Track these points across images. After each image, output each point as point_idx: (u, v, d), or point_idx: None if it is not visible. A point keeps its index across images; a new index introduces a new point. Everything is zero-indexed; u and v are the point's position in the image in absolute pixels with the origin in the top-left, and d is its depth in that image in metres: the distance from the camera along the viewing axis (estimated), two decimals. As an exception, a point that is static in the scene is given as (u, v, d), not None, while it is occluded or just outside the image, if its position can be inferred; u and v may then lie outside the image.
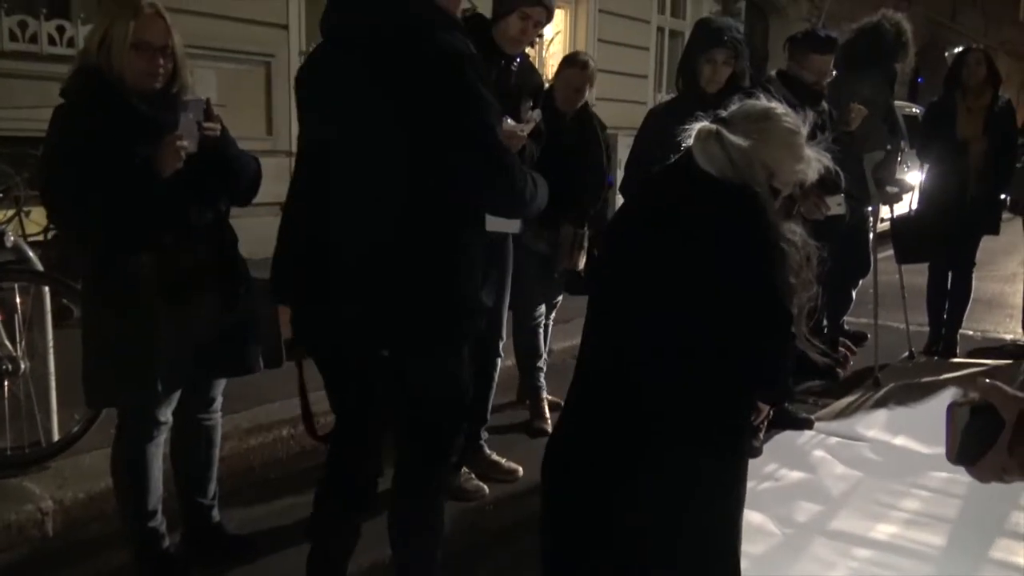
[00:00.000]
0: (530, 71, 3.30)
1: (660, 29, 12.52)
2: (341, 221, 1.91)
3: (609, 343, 1.79)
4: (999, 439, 1.00)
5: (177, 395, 2.47)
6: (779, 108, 1.81)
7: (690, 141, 1.77)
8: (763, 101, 1.82)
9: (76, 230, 2.40)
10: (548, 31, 3.28)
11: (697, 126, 1.77)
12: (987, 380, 1.02)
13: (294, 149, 8.20)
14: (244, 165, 2.45)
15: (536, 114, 3.23)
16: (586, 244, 3.70)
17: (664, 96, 11.93)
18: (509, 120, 3.08)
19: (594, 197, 3.78)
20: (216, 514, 2.69)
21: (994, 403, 1.01)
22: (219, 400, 2.64)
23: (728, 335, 1.64)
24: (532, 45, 3.27)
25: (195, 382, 2.50)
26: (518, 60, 3.17)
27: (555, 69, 3.95)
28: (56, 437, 3.14)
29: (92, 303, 2.39)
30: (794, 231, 1.74)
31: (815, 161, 1.78)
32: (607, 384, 1.76)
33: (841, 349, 4.95)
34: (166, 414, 2.46)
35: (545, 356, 3.99)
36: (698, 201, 1.70)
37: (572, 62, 3.80)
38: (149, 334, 2.29)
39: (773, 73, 4.02)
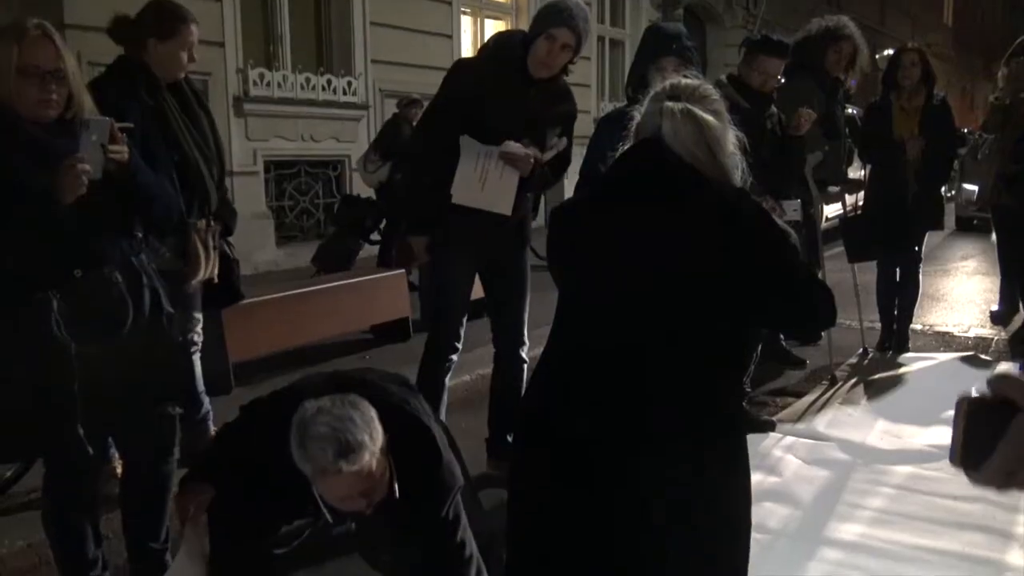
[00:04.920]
0: (562, 97, 3.22)
1: (600, 38, 12.62)
2: None
3: (594, 333, 1.71)
4: (1010, 429, 0.88)
5: (108, 439, 2.31)
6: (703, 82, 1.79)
7: (645, 121, 1.72)
8: (683, 78, 1.78)
9: None
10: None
11: (656, 106, 1.70)
12: (1000, 375, 0.93)
13: (234, 168, 8.06)
14: (158, 192, 2.27)
15: (562, 143, 3.19)
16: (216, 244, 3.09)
17: (607, 105, 12.02)
18: (512, 143, 3.03)
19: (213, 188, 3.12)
20: (170, 558, 2.52)
21: (1010, 395, 0.91)
22: (175, 442, 2.44)
23: (753, 311, 1.66)
24: (565, 72, 3.15)
25: (126, 424, 2.31)
26: (555, 88, 3.11)
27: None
28: (-11, 482, 2.96)
29: None
30: None
31: None
32: (591, 373, 1.69)
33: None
34: (97, 457, 2.29)
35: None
36: (692, 206, 1.65)
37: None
38: (59, 378, 2.07)
39: (723, 77, 4.05)
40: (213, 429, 3.38)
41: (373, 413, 1.90)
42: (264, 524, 2.06)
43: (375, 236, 7.08)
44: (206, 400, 3.22)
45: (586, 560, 1.68)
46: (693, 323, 1.62)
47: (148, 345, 2.23)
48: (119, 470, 2.68)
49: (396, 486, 1.95)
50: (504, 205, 3.12)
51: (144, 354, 2.21)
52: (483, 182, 3.06)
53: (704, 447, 1.64)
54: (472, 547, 2.09)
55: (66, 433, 2.10)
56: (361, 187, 7.82)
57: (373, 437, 1.87)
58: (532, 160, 3.07)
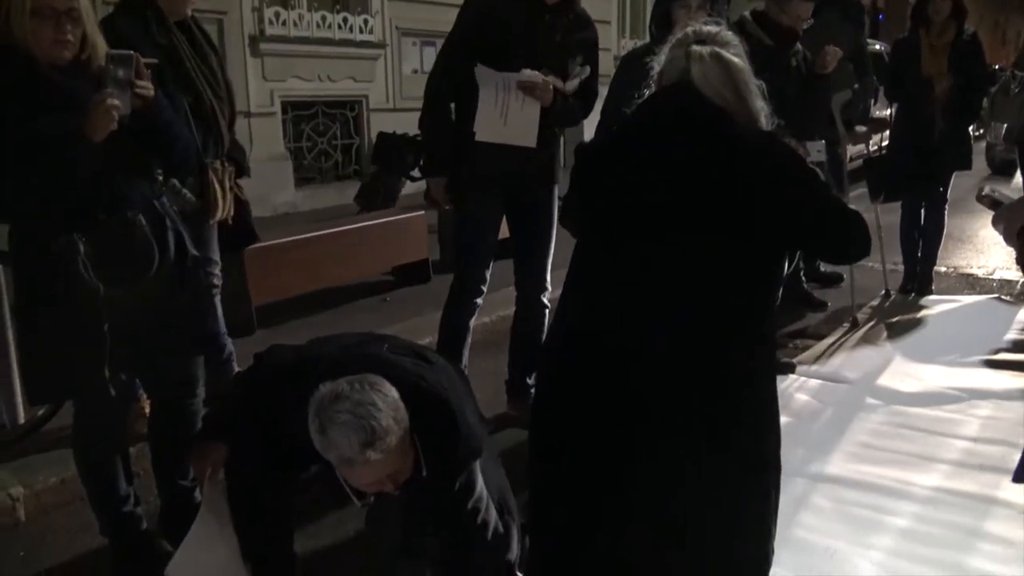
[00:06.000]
0: (581, 25, 3.13)
1: (622, -27, 12.31)
2: None
3: (622, 301, 1.69)
4: None
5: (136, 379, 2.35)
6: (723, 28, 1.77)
7: (668, 67, 1.70)
8: (703, 24, 1.76)
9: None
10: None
11: (682, 51, 1.69)
12: None
13: (251, 109, 7.99)
14: (179, 132, 2.25)
15: (585, 71, 3.11)
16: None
17: (628, 42, 11.78)
18: (528, 71, 2.96)
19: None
20: (199, 495, 2.58)
21: None
22: (200, 380, 2.49)
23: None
24: None
25: (153, 365, 2.34)
26: (572, 15, 3.05)
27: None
28: (22, 420, 3.03)
29: (24, 291, 2.15)
30: None
31: None
32: (605, 328, 1.68)
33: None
34: (125, 397, 2.34)
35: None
36: (722, 148, 1.63)
37: None
38: (89, 320, 2.09)
39: (747, 14, 3.95)
40: (236, 370, 3.44)
41: (395, 393, 1.81)
42: (282, 474, 2.04)
43: (415, 173, 6.98)
44: (229, 342, 3.26)
45: (605, 506, 1.71)
46: (707, 289, 1.61)
47: (173, 288, 2.24)
48: (147, 409, 2.74)
49: (423, 464, 1.88)
50: (528, 138, 3.05)
51: (170, 296, 2.23)
52: (505, 116, 3.00)
53: (717, 416, 1.64)
54: (486, 513, 2.02)
55: (96, 374, 2.14)
56: (382, 126, 7.75)
57: (398, 419, 1.78)
58: (552, 88, 3.01)
